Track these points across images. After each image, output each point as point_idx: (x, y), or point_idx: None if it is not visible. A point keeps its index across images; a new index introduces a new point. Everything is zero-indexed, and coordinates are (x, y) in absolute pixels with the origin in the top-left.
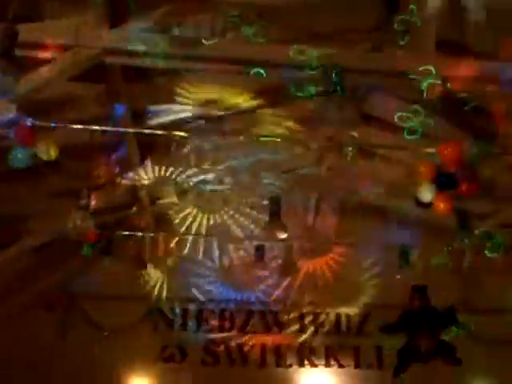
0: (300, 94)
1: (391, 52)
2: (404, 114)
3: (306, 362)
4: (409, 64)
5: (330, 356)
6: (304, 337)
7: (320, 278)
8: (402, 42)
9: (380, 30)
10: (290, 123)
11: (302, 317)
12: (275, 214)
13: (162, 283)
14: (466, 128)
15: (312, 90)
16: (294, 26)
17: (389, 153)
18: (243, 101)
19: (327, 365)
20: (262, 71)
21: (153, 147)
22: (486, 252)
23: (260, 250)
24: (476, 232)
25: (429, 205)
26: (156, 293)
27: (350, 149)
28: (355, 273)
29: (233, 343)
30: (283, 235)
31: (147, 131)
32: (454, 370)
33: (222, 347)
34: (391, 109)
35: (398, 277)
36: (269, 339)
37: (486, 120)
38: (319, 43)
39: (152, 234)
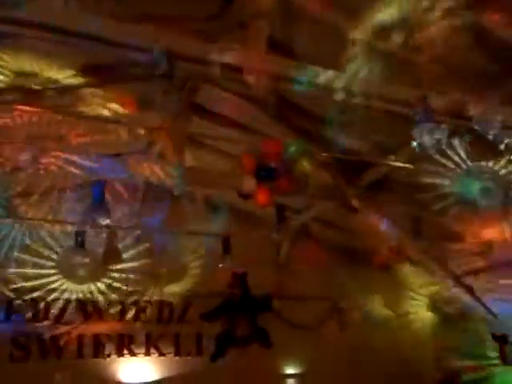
0: (130, 76)
1: (225, 44)
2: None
3: (125, 352)
4: (240, 58)
5: (151, 344)
6: (124, 325)
7: (142, 265)
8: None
9: (216, 19)
10: (117, 105)
11: (122, 305)
12: (98, 198)
13: None
14: (288, 126)
15: (141, 71)
16: (132, 3)
17: (217, 144)
18: (66, 76)
19: (147, 353)
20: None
21: None
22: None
23: (80, 235)
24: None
25: (249, 196)
26: None
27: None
28: (178, 261)
29: (47, 335)
30: (106, 221)
31: None
32: (266, 352)
33: (34, 339)
34: (222, 101)
35: (221, 265)
36: (87, 329)
37: (306, 120)
38: (155, 25)
39: None
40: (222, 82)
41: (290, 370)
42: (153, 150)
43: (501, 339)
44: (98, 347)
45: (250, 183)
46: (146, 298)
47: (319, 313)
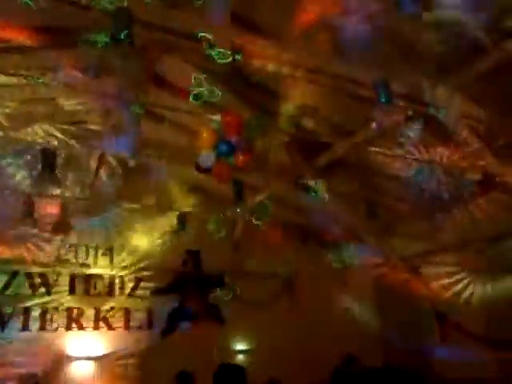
0: (86, 39)
1: (187, 14)
2: (194, 81)
3: (73, 325)
4: (202, 30)
5: (100, 318)
6: (73, 298)
7: (95, 240)
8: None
9: None
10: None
11: (72, 278)
12: (48, 167)
13: None
14: (248, 102)
15: (99, 37)
16: None
17: (177, 117)
18: (21, 37)
19: (96, 327)
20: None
21: None
22: (253, 220)
23: (28, 204)
24: (250, 202)
25: (208, 171)
26: None
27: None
28: (130, 236)
29: None
30: (56, 190)
31: None
32: (218, 328)
33: None
34: (183, 73)
35: (174, 241)
36: (35, 301)
37: (267, 97)
38: None
39: None
40: (182, 53)
41: (240, 346)
42: (110, 120)
43: (441, 317)
44: (45, 320)
45: (208, 158)
46: (96, 271)
47: (271, 290)
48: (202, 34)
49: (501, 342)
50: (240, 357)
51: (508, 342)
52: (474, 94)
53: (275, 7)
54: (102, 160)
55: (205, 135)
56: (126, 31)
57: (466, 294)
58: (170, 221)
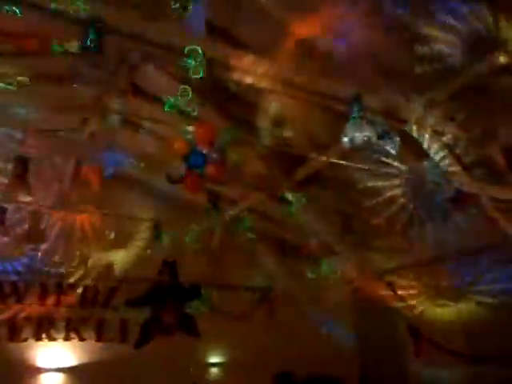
0: (55, 47)
1: (165, 24)
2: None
3: (43, 336)
4: (179, 40)
5: (71, 329)
6: (44, 309)
7: (67, 249)
8: (175, 16)
9: None
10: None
11: (44, 287)
12: (20, 175)
13: None
14: (224, 113)
15: (70, 46)
16: None
17: (153, 127)
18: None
19: (67, 338)
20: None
21: None
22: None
23: (0, 212)
24: (227, 214)
25: (179, 181)
26: None
27: (115, 117)
28: (104, 245)
29: None
30: (27, 198)
31: None
32: (192, 340)
33: None
34: (160, 83)
35: (149, 251)
36: (4, 311)
37: (243, 110)
38: None
39: None
40: (160, 63)
41: (214, 359)
42: (86, 128)
43: (414, 332)
44: (14, 331)
45: (179, 168)
46: (68, 281)
47: (248, 302)
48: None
49: (479, 357)
50: (214, 370)
51: (486, 357)
52: (448, 112)
53: (255, 20)
54: (77, 169)
55: (176, 146)
56: (97, 40)
57: (441, 309)
58: (145, 230)
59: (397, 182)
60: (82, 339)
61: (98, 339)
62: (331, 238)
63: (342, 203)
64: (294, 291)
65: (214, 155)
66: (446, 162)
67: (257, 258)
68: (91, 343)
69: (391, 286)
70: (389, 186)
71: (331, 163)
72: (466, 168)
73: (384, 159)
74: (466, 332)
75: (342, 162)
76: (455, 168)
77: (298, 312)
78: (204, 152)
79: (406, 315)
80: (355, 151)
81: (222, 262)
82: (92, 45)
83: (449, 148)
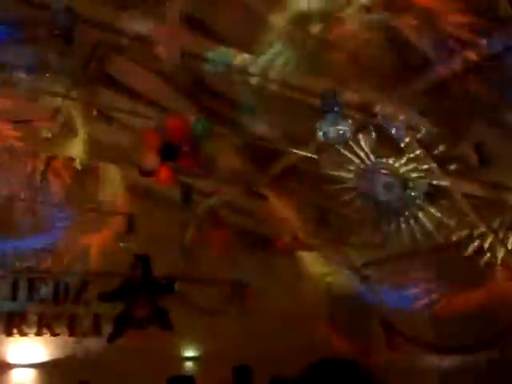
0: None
1: (137, 14)
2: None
3: (14, 331)
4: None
5: (44, 324)
6: (15, 303)
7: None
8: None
9: None
10: None
11: (15, 283)
12: None
13: None
14: (198, 105)
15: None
16: None
17: (126, 119)
18: None
19: (39, 333)
20: None
21: None
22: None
23: None
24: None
25: (151, 174)
26: None
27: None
28: (77, 239)
29: None
30: None
31: None
32: (166, 334)
33: None
34: (132, 74)
35: (122, 244)
36: None
37: (219, 102)
38: None
39: None
40: (133, 54)
41: (189, 353)
42: (58, 118)
43: (387, 326)
44: None
45: (151, 160)
46: (40, 275)
47: (221, 296)
48: None
49: (449, 349)
50: (188, 364)
51: (455, 348)
52: (420, 107)
53: (231, 13)
54: (49, 161)
55: (148, 137)
56: (67, 28)
57: (414, 302)
58: (118, 224)
59: (371, 176)
60: (54, 334)
61: (71, 334)
62: (307, 232)
63: (317, 198)
64: (268, 285)
65: (188, 147)
66: (420, 157)
67: (231, 252)
68: (64, 338)
69: (366, 279)
70: (361, 179)
71: (307, 157)
72: (438, 163)
73: (358, 153)
74: (434, 323)
75: (316, 156)
76: (428, 163)
77: (271, 306)
78: (177, 144)
79: (380, 309)
80: (331, 146)
81: (195, 255)
82: (61, 32)
83: (422, 143)
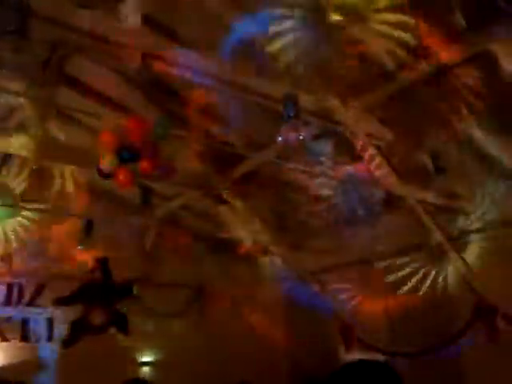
0: None
1: (99, 13)
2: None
3: None
4: (112, 30)
5: None
6: None
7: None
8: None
9: None
10: None
11: None
12: None
13: None
14: (157, 106)
15: None
16: None
17: (85, 120)
18: None
19: None
20: None
21: None
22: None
23: None
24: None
25: (109, 176)
26: None
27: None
28: (31, 241)
29: None
30: None
31: None
32: (123, 339)
33: None
34: (92, 73)
35: (80, 247)
36: None
37: (177, 103)
38: None
39: None
40: (93, 54)
41: (146, 358)
42: (13, 117)
43: (345, 331)
44: None
45: (109, 162)
46: None
47: (180, 301)
48: None
49: (401, 354)
50: (145, 369)
51: (407, 354)
52: (381, 115)
53: (194, 16)
54: (5, 160)
55: (106, 139)
56: (20, 24)
57: (368, 307)
58: (75, 226)
59: (330, 182)
60: (5, 339)
61: (23, 339)
62: (266, 237)
63: (277, 203)
64: (227, 290)
65: (147, 148)
66: (377, 164)
67: (191, 256)
68: (15, 343)
69: (323, 284)
70: (322, 186)
71: (268, 162)
72: (395, 170)
73: (318, 159)
74: (390, 329)
75: (277, 161)
76: (385, 170)
77: (230, 311)
78: (136, 146)
79: (338, 314)
80: (291, 151)
81: (155, 259)
82: (15, 29)
83: (379, 151)
